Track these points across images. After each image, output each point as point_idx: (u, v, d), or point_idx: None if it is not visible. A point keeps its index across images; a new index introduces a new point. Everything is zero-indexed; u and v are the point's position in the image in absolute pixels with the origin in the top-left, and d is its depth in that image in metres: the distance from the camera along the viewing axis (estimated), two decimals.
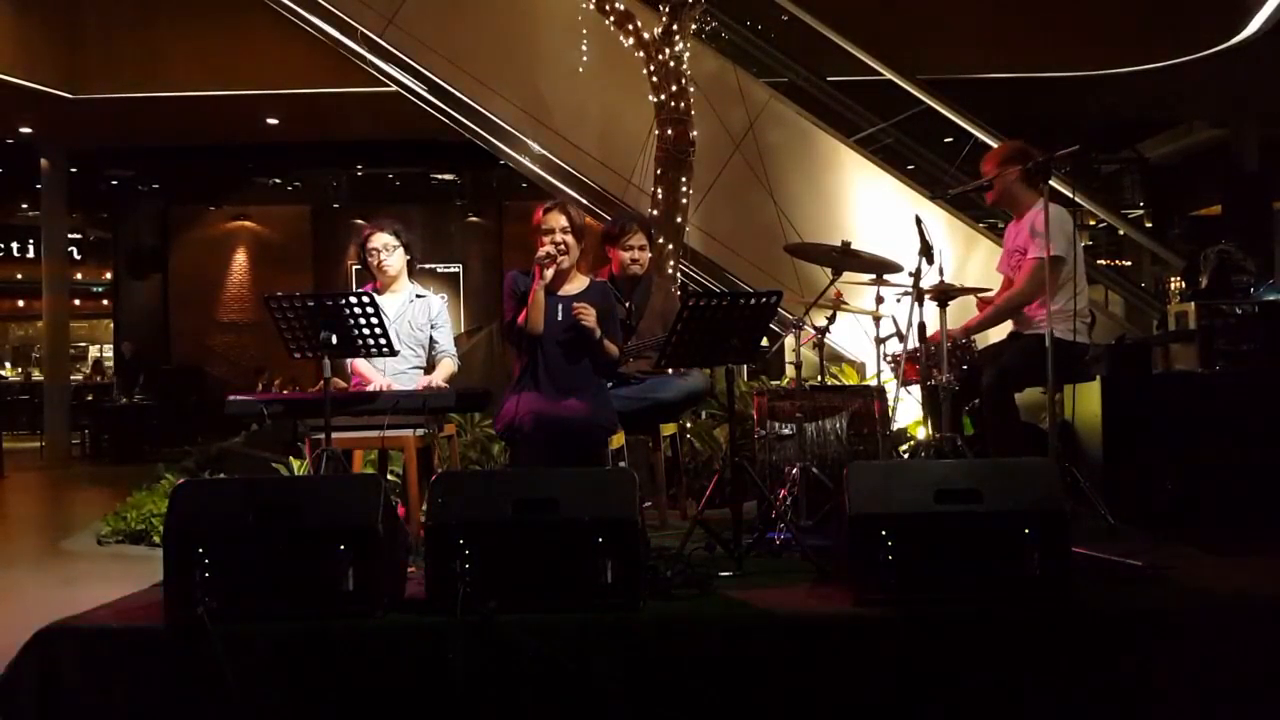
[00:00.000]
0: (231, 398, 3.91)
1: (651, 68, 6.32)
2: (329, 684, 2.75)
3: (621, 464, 4.24)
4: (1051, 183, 4.37)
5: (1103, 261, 11.44)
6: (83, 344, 21.04)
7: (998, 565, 2.83)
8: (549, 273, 3.92)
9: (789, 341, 4.56)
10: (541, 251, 3.91)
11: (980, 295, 4.56)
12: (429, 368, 4.37)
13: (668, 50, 6.29)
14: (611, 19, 6.41)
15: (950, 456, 3.90)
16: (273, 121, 12.00)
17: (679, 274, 6.50)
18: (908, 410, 5.51)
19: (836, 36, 7.17)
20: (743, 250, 6.92)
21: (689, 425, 5.60)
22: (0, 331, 23.34)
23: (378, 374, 4.22)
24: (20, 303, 21.76)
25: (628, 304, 4.73)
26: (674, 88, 6.30)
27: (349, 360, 4.27)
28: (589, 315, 3.93)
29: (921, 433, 4.81)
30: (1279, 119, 10.95)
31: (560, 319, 4.00)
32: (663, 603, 2.95)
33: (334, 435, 3.59)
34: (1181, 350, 5.18)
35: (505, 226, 14.93)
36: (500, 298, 4.18)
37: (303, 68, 9.89)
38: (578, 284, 4.10)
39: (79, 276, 18.56)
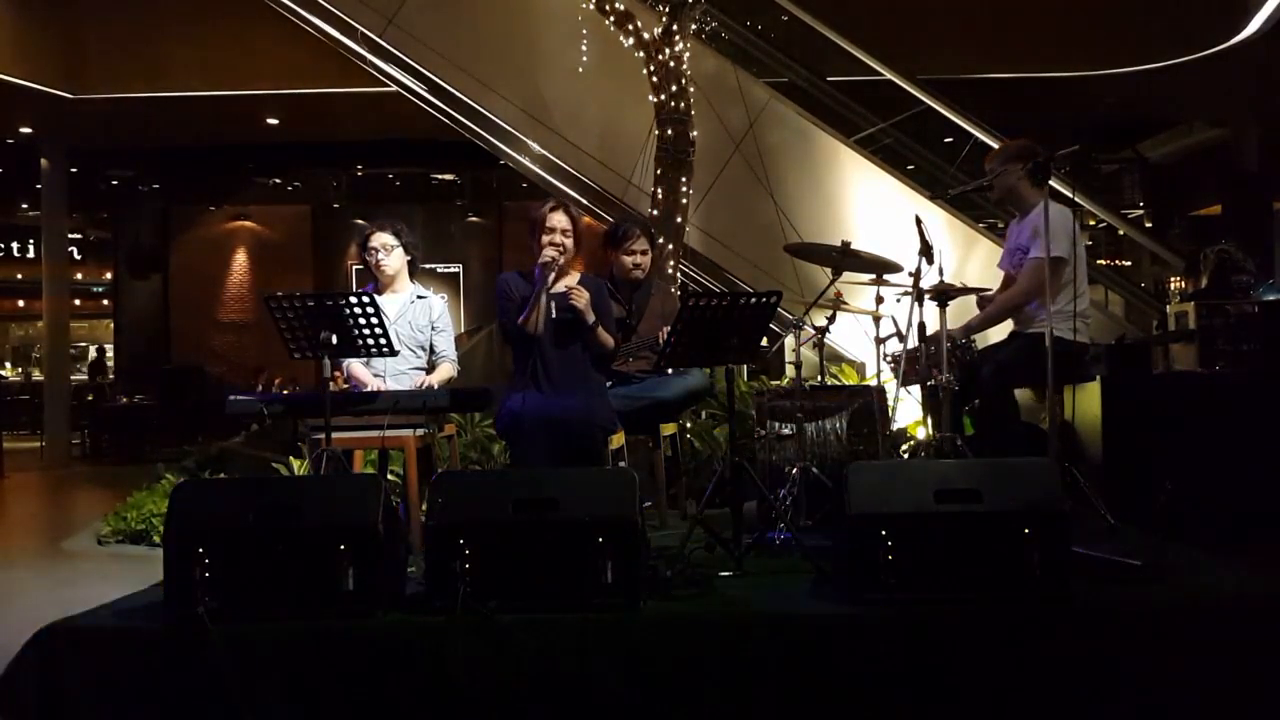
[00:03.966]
0: (231, 398, 3.91)
1: (651, 68, 6.33)
2: (329, 684, 2.75)
3: (621, 464, 4.25)
4: (1051, 182, 4.37)
5: (1102, 261, 11.44)
6: (83, 344, 21.03)
7: (998, 565, 2.83)
8: (552, 277, 3.93)
9: (789, 341, 4.57)
10: (546, 255, 3.91)
11: (981, 295, 4.56)
12: (429, 370, 4.37)
13: (668, 50, 6.29)
14: (611, 19, 6.41)
15: (950, 456, 3.90)
16: (273, 121, 12.01)
17: (679, 274, 6.50)
18: (908, 410, 5.51)
19: (836, 36, 7.18)
20: (742, 250, 6.92)
21: (689, 425, 5.60)
22: (0, 331, 23.34)
23: (375, 381, 4.22)
24: (20, 303, 21.76)
25: (629, 307, 4.73)
26: (674, 88, 6.30)
27: (345, 364, 4.27)
28: (582, 296, 3.94)
29: (921, 433, 4.81)
30: (1279, 119, 10.95)
31: (555, 315, 4.00)
32: (663, 603, 2.95)
33: (334, 435, 3.59)
34: (1181, 350, 5.18)
35: (505, 226, 14.94)
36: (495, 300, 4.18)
37: (303, 68, 9.90)
38: (570, 280, 4.10)
39: (79, 276, 18.57)
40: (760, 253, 6.76)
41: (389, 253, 4.34)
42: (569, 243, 3.99)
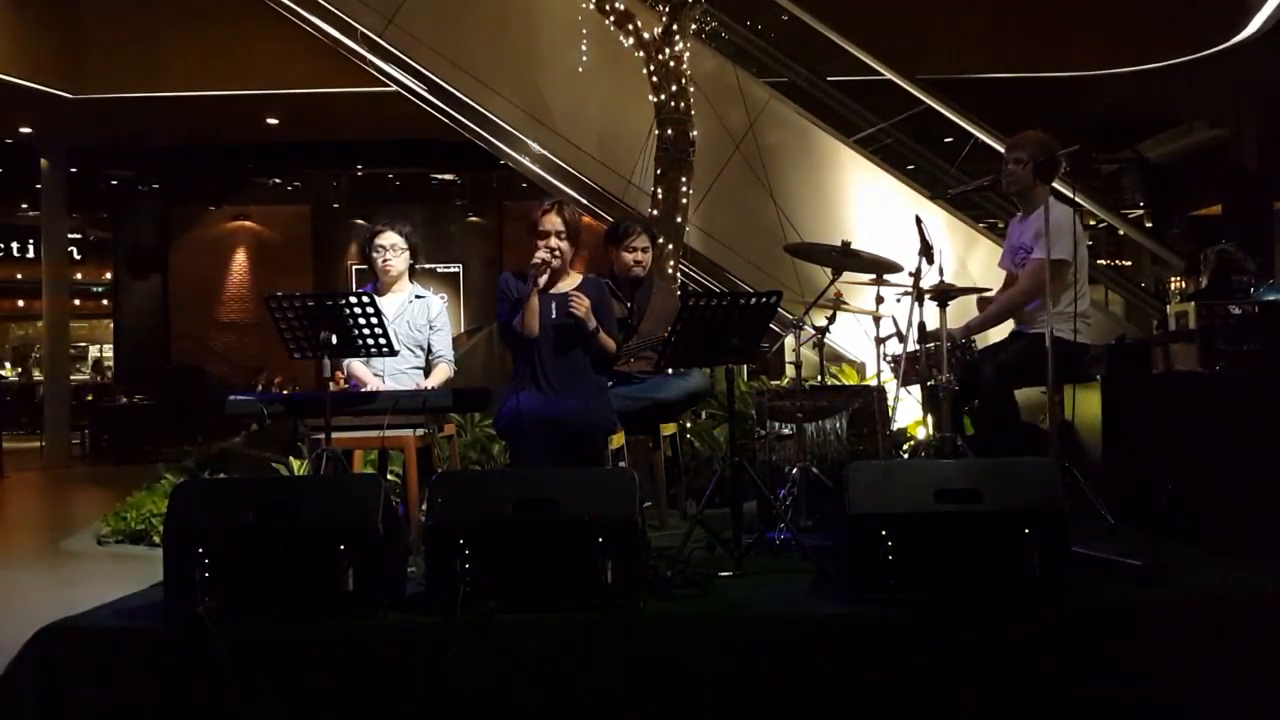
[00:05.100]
0: (231, 398, 3.91)
1: (651, 67, 6.32)
2: (329, 684, 2.75)
3: (621, 464, 4.24)
4: (1053, 182, 4.36)
5: (1103, 261, 11.44)
6: (83, 344, 21.03)
7: (998, 565, 2.83)
8: (543, 279, 3.93)
9: (789, 341, 4.56)
10: (537, 258, 3.91)
11: (981, 295, 4.55)
12: (427, 369, 4.37)
13: (668, 50, 6.29)
14: (611, 19, 6.41)
15: (950, 456, 3.89)
16: (273, 121, 12.01)
17: (679, 274, 6.50)
18: (908, 410, 5.51)
19: (836, 36, 7.17)
20: (743, 250, 6.92)
21: (689, 425, 5.59)
22: (0, 331, 23.33)
23: (375, 380, 4.22)
24: (20, 303, 21.76)
25: (629, 305, 4.73)
26: (674, 88, 6.30)
27: (345, 363, 4.28)
28: (582, 305, 3.93)
29: (921, 433, 4.81)
30: (1279, 119, 10.94)
31: (555, 317, 4.00)
32: (663, 603, 2.95)
33: (334, 435, 3.59)
34: (1182, 350, 5.17)
35: (505, 226, 14.95)
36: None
37: (303, 68, 9.90)
38: (571, 281, 4.10)
39: (79, 276, 18.56)
40: (760, 253, 6.76)
41: (398, 254, 4.35)
42: (564, 245, 3.99)
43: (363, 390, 4.06)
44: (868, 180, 7.03)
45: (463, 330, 12.81)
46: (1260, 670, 2.74)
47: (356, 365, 4.28)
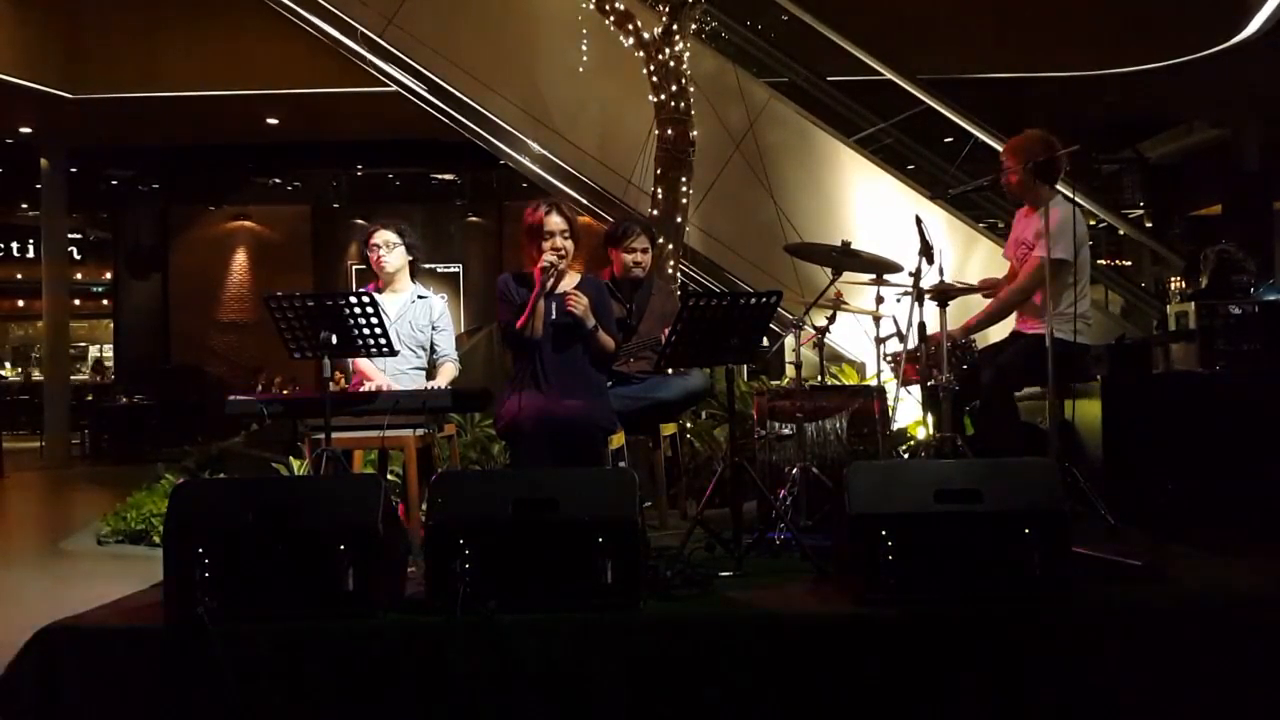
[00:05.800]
0: (231, 398, 3.91)
1: (651, 68, 6.33)
2: (329, 684, 2.75)
3: (621, 464, 4.24)
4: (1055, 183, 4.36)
5: (1103, 261, 11.45)
6: (83, 344, 21.03)
7: (998, 565, 2.83)
8: (550, 281, 3.92)
9: (789, 341, 4.57)
10: (546, 261, 3.89)
11: (983, 288, 4.55)
12: (430, 370, 4.37)
13: (668, 50, 6.29)
14: (611, 19, 6.41)
15: (950, 456, 3.90)
16: (273, 121, 12.01)
17: (679, 274, 6.50)
18: (908, 410, 5.51)
19: (836, 36, 7.18)
20: (743, 250, 6.92)
21: (689, 425, 5.59)
22: (0, 331, 23.33)
23: (379, 373, 4.22)
24: (20, 303, 21.75)
25: (629, 306, 4.73)
26: (674, 88, 6.30)
27: (351, 360, 4.28)
28: (580, 303, 3.92)
29: (921, 433, 4.81)
30: (1279, 119, 10.95)
31: (555, 317, 3.99)
32: (663, 603, 2.95)
33: (334, 435, 3.59)
34: (1181, 350, 5.17)
35: (505, 226, 14.93)
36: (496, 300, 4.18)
37: (303, 68, 9.90)
38: (570, 281, 4.10)
39: (79, 276, 18.56)
40: (760, 253, 6.76)
41: (390, 249, 4.35)
42: (569, 245, 3.98)
43: (363, 389, 4.07)
44: (868, 180, 7.03)
45: (463, 330, 12.80)
46: (1260, 670, 2.74)
47: (363, 361, 4.27)
